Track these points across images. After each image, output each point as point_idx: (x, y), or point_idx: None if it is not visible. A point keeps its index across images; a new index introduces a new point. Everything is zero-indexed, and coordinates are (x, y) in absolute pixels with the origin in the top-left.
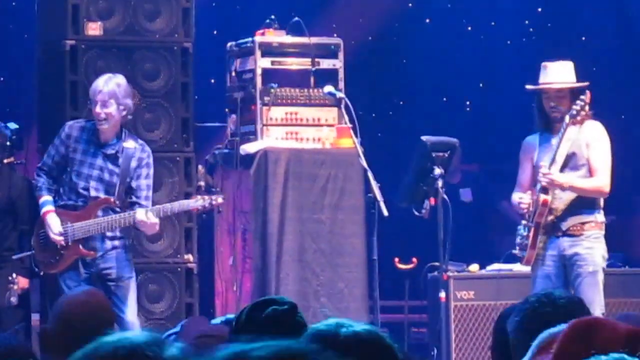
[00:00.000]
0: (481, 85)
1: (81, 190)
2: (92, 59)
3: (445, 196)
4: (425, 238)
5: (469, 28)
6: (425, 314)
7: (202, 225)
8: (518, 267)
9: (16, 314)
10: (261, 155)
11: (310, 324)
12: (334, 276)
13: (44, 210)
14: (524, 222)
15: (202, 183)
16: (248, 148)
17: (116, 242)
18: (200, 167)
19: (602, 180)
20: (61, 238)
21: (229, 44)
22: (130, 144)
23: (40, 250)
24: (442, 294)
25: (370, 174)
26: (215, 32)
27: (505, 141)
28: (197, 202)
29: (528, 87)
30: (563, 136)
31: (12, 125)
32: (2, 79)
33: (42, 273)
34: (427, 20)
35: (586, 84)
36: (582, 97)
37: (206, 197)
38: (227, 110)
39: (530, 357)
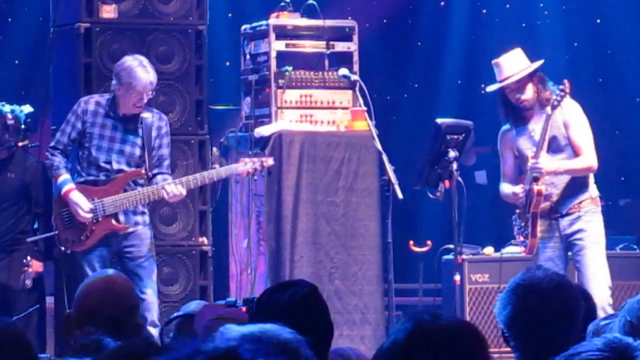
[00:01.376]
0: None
1: (103, 164)
2: (106, 41)
3: (459, 179)
4: (440, 221)
5: (484, 10)
6: (439, 296)
7: (216, 208)
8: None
9: (30, 297)
10: (275, 138)
11: None
12: (348, 259)
13: (65, 188)
14: (518, 210)
15: (216, 165)
16: (262, 131)
17: (139, 218)
18: (214, 149)
19: (589, 158)
20: (91, 215)
21: (243, 27)
22: (147, 114)
23: (65, 229)
24: (457, 277)
25: (384, 157)
26: (230, 15)
27: None
28: (245, 166)
29: (489, 88)
30: (548, 126)
31: (27, 109)
32: (17, 62)
33: (69, 251)
34: (442, 3)
35: (541, 61)
36: (561, 86)
37: (255, 159)
38: (241, 93)
39: None
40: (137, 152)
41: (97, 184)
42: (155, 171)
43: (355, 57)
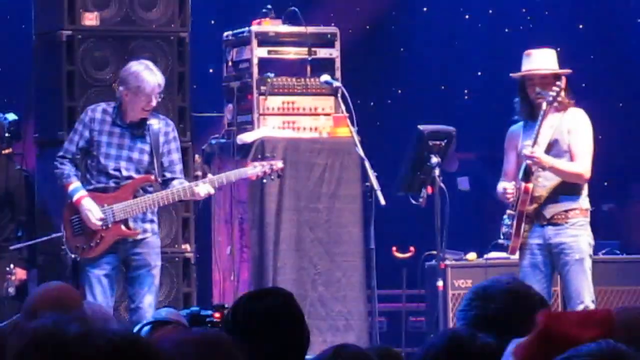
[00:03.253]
0: (479, 73)
1: (112, 172)
2: (89, 49)
3: (442, 185)
4: (423, 227)
5: (467, 16)
6: (423, 302)
7: (199, 214)
8: (516, 256)
9: (14, 305)
10: (258, 144)
11: (307, 313)
12: (331, 265)
13: (77, 195)
14: (509, 211)
15: (199, 173)
16: (245, 137)
17: (148, 226)
18: (197, 156)
19: (582, 166)
20: (100, 222)
21: (225, 34)
22: (153, 120)
23: (75, 236)
24: (440, 283)
25: (367, 163)
26: (212, 22)
27: (503, 130)
28: (255, 169)
29: (512, 75)
30: (543, 121)
31: (11, 116)
32: None
33: (78, 259)
34: (425, 9)
35: (569, 71)
36: (557, 82)
37: (264, 162)
38: (224, 100)
39: None
40: (146, 158)
41: (106, 190)
42: (168, 176)
43: (338, 64)
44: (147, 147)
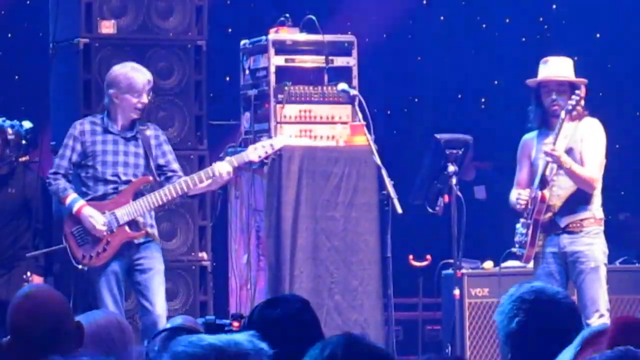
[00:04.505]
0: (496, 82)
1: (110, 178)
2: (106, 57)
3: (459, 193)
4: (439, 235)
5: (484, 25)
6: (439, 311)
7: (216, 223)
8: (531, 264)
9: None
10: (275, 153)
11: (324, 321)
12: (348, 274)
13: (77, 206)
14: (522, 219)
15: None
16: None
17: (149, 230)
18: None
19: (592, 171)
20: (106, 227)
21: (242, 42)
22: (142, 127)
23: (79, 246)
24: (456, 291)
25: (384, 172)
26: (229, 30)
27: (520, 139)
28: (256, 151)
29: (528, 81)
30: (560, 130)
31: (27, 124)
32: (16, 77)
33: (86, 269)
34: (442, 18)
35: (584, 80)
36: (577, 92)
37: (264, 142)
38: (241, 108)
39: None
40: (141, 162)
41: (105, 198)
42: (169, 173)
43: (355, 72)
44: (140, 151)
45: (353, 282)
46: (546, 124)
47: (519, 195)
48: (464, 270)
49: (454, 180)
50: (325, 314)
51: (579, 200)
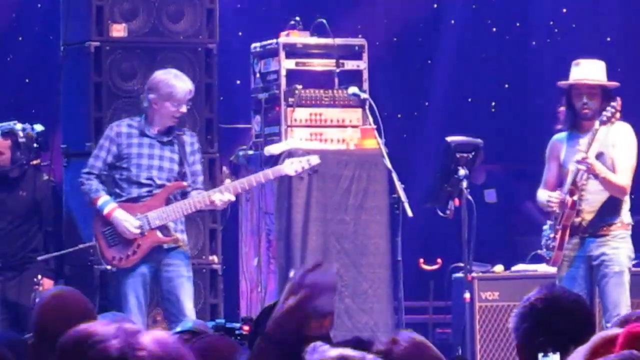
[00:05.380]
0: (506, 86)
1: (145, 181)
2: (117, 60)
3: (469, 197)
4: (450, 239)
5: (494, 29)
6: (449, 314)
7: (226, 226)
8: (543, 268)
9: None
10: (285, 156)
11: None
12: (358, 277)
13: (108, 208)
14: (549, 222)
15: (228, 180)
16: (272, 149)
17: (179, 236)
18: (224, 168)
19: (624, 179)
20: (139, 230)
21: (253, 45)
22: (179, 131)
23: (110, 247)
24: (467, 295)
25: (394, 175)
26: (240, 34)
27: (530, 142)
28: (292, 165)
29: (560, 83)
30: (593, 140)
31: (38, 127)
32: (27, 80)
33: (114, 269)
34: (452, 21)
35: (617, 84)
36: (613, 103)
37: (301, 158)
38: (251, 111)
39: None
40: (176, 167)
41: (139, 200)
42: (189, 188)
43: (365, 75)
44: (176, 156)
45: (363, 285)
46: (577, 126)
47: (549, 198)
48: (474, 274)
49: (464, 184)
50: (335, 317)
51: (607, 205)
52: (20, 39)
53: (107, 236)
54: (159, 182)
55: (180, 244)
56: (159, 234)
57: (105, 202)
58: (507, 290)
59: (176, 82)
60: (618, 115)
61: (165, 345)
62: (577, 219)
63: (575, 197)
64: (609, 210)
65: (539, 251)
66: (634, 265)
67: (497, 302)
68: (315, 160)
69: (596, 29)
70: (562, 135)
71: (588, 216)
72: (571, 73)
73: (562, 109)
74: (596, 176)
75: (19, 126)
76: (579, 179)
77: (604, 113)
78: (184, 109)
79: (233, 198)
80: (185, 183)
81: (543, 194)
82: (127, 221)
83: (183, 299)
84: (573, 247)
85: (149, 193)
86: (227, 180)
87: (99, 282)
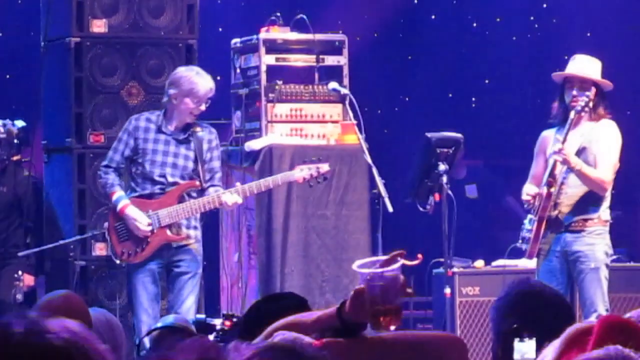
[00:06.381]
0: (487, 81)
1: (157, 178)
2: (97, 55)
3: (449, 192)
4: (430, 234)
5: (475, 24)
6: (430, 309)
7: (207, 221)
8: (523, 263)
9: (22, 311)
10: (266, 151)
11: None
12: (339, 272)
13: (121, 205)
14: (530, 215)
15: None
16: (253, 145)
17: (192, 233)
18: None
19: (604, 173)
20: (149, 228)
21: (233, 41)
22: (197, 128)
23: (121, 242)
24: (447, 290)
25: (374, 170)
26: (220, 29)
27: (511, 137)
28: (302, 172)
29: (554, 75)
30: (569, 130)
31: (19, 123)
32: (8, 76)
33: (124, 264)
34: (433, 17)
35: (610, 83)
36: (587, 93)
37: (311, 165)
38: (232, 107)
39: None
40: (190, 165)
41: (152, 197)
42: (207, 184)
43: (346, 71)
44: (191, 154)
45: (344, 280)
46: (566, 120)
47: (527, 190)
48: (455, 269)
49: (444, 179)
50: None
51: (587, 200)
52: (0, 34)
53: (119, 231)
54: (171, 179)
55: (190, 242)
56: (168, 232)
57: (119, 198)
58: (487, 286)
59: (198, 79)
60: (591, 104)
61: (73, 332)
62: (554, 212)
63: (552, 189)
64: (586, 205)
65: (517, 244)
66: (613, 261)
67: (478, 297)
68: (324, 168)
69: (577, 24)
70: (551, 130)
71: (565, 209)
72: (567, 67)
73: (556, 103)
74: (572, 168)
75: None
76: (558, 171)
77: (579, 102)
78: (203, 107)
79: (241, 200)
80: (198, 183)
81: (525, 187)
82: (137, 220)
83: (184, 296)
84: (548, 241)
85: (162, 190)
86: (237, 183)
87: (79, 278)
